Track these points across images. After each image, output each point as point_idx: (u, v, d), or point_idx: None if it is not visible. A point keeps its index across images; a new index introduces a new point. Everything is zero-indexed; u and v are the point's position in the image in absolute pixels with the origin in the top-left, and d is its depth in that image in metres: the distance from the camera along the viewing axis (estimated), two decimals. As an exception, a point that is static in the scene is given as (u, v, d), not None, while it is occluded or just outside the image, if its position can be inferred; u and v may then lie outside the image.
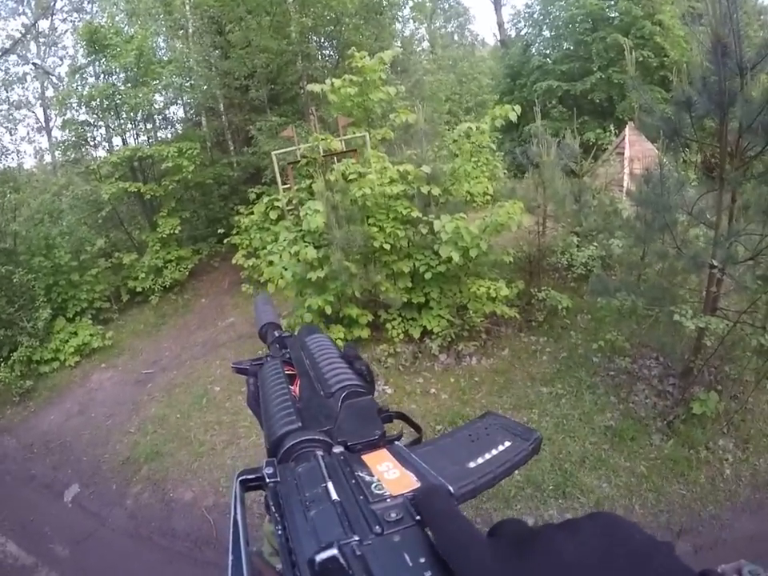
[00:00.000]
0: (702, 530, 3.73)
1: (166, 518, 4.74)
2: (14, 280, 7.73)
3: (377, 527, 0.39)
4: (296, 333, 0.91)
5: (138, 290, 9.83)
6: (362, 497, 0.43)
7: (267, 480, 0.47)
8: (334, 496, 0.43)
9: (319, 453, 0.52)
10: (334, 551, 0.35)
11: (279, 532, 0.41)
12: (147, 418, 6.29)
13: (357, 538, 0.37)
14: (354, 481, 0.46)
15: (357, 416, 0.62)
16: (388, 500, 0.43)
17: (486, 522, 3.85)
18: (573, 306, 6.01)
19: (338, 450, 0.53)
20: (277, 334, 0.93)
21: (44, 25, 17.69)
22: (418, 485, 0.45)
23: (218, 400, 6.18)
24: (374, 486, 0.45)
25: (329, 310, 5.65)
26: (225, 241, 9.10)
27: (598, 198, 6.20)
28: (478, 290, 5.53)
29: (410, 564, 0.35)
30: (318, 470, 0.48)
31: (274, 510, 0.44)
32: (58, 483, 5.56)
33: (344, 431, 0.58)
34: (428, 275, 5.68)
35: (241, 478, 0.48)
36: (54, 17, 17.80)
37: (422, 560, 0.35)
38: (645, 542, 0.32)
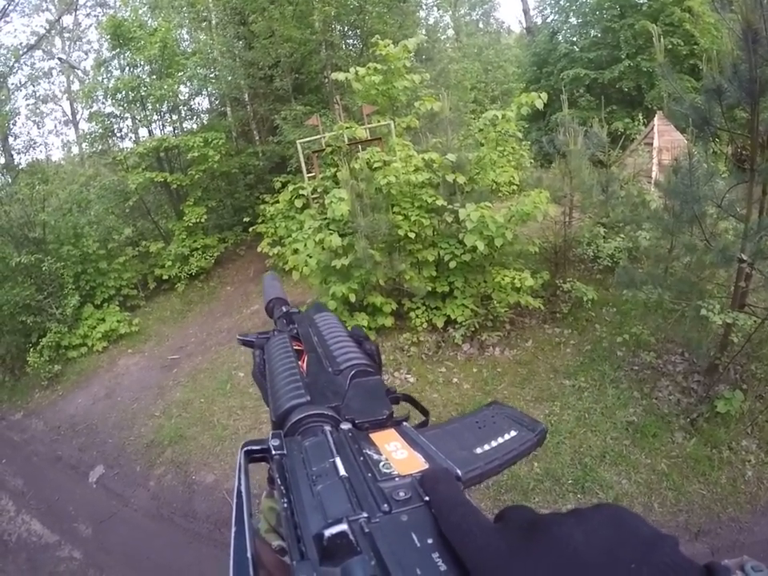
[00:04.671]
0: (721, 531, 3.65)
1: (187, 500, 4.85)
2: (44, 268, 7.94)
3: (385, 505, 0.38)
4: (304, 310, 0.90)
5: (165, 277, 10.02)
6: (369, 474, 0.42)
7: (273, 452, 0.47)
8: (342, 472, 0.42)
9: (327, 428, 0.51)
10: (343, 527, 0.34)
11: (284, 505, 0.40)
12: (172, 402, 6.42)
13: (365, 515, 0.37)
14: (361, 458, 0.45)
15: (365, 394, 0.61)
16: (396, 479, 0.42)
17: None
18: (598, 298, 5.92)
19: (345, 426, 0.52)
20: (284, 310, 0.92)
21: (68, 20, 17.98)
22: (426, 466, 0.44)
23: (242, 386, 6.27)
24: (381, 464, 0.44)
25: (353, 298, 5.66)
26: (250, 229, 9.22)
27: (626, 189, 6.09)
28: (503, 279, 5.49)
29: (418, 545, 0.35)
30: (325, 444, 0.47)
31: (279, 482, 0.43)
32: (83, 464, 5.72)
33: (352, 409, 0.57)
34: (452, 264, 5.64)
35: (246, 449, 0.47)
36: (77, 12, 18.04)
37: (430, 541, 0.35)
38: (651, 534, 0.32)
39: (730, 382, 4.48)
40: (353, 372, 0.64)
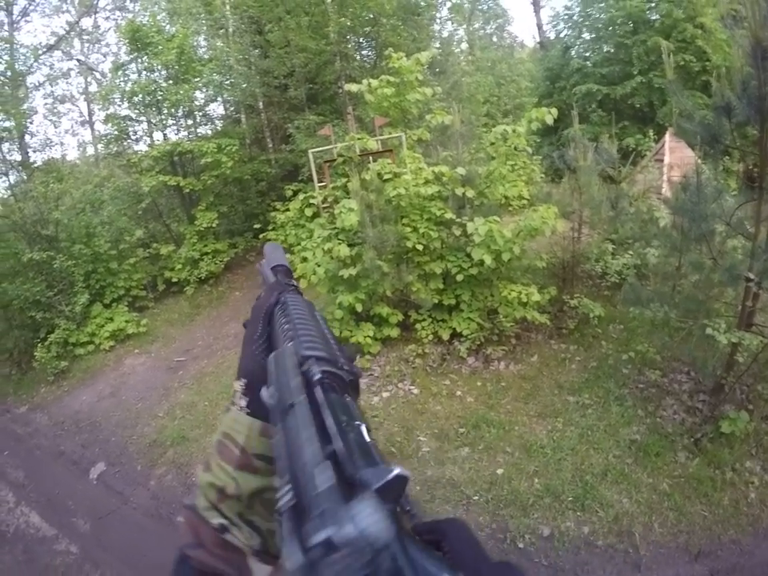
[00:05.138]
0: (721, 554, 3.58)
1: (187, 501, 4.86)
2: (55, 265, 8.07)
3: None
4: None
5: (174, 280, 10.11)
6: None
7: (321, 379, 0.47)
8: (368, 438, 0.42)
9: (348, 399, 0.50)
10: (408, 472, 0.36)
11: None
12: (176, 403, 6.46)
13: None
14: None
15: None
16: None
17: (502, 528, 3.83)
18: (605, 314, 5.90)
19: None
20: (293, 283, 0.84)
21: (87, 22, 18.16)
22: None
23: (247, 391, 6.28)
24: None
25: (359, 308, 5.69)
26: (261, 236, 9.30)
27: (635, 206, 6.08)
28: (510, 294, 5.50)
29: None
30: (354, 409, 0.47)
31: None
32: (85, 460, 5.74)
33: None
34: (460, 277, 5.66)
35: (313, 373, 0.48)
36: (96, 15, 18.21)
37: (417, 537, 0.37)
38: None
39: (735, 402, 4.43)
40: (351, 378, 0.60)
